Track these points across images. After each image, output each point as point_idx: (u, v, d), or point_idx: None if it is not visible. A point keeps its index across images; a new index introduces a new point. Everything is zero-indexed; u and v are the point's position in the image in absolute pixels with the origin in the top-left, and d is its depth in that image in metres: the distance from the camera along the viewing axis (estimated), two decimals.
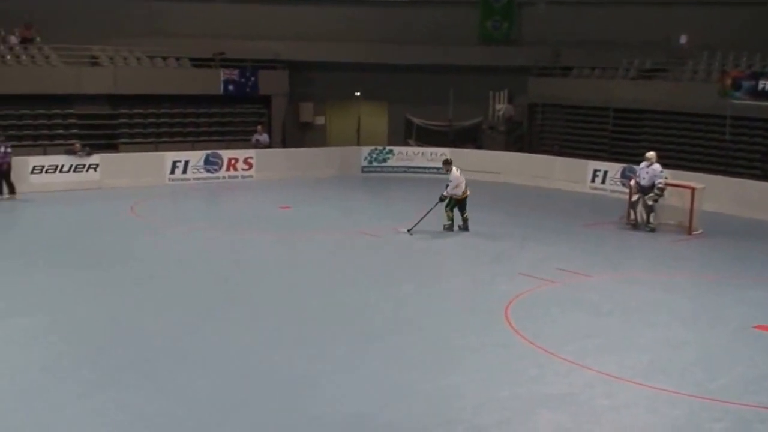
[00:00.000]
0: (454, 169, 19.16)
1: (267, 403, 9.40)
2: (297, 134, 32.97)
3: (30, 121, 27.23)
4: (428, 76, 31.80)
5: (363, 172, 29.25)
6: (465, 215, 19.21)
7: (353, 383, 10.04)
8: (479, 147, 31.24)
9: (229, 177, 26.84)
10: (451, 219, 19.08)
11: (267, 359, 10.74)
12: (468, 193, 19.13)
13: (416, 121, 32.84)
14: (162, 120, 29.34)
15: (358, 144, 30.87)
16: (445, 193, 19.00)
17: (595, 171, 26.35)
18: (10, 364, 10.41)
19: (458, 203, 19.08)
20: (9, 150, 23.06)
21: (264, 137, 28.69)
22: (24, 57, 27.67)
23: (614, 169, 25.77)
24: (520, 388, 9.97)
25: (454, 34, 32.11)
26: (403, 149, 30.07)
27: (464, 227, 19.17)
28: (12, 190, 22.67)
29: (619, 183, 25.13)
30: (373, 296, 13.88)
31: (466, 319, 12.71)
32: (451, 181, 18.96)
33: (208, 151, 26.97)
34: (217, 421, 8.86)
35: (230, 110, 30.79)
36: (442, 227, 18.98)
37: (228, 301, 13.44)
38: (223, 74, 30.02)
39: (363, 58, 31.33)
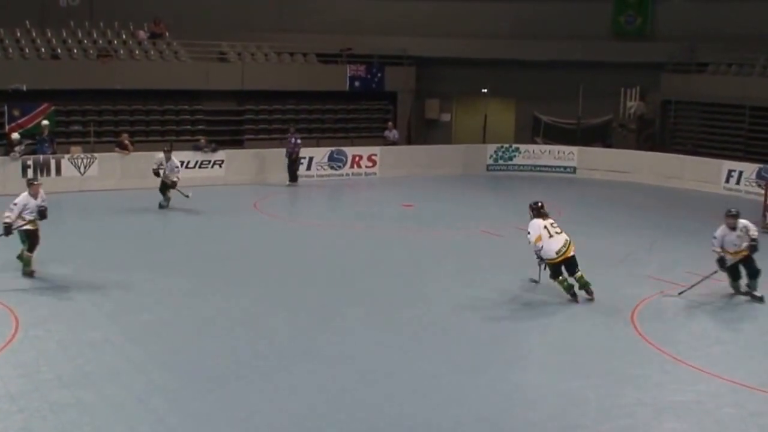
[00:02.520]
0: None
1: (387, 407, 9.59)
2: (422, 131, 33.30)
3: (158, 117, 28.38)
4: (557, 72, 31.53)
5: (488, 170, 29.32)
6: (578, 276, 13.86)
7: (475, 386, 10.17)
8: (609, 145, 30.80)
9: (353, 174, 27.34)
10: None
11: (387, 360, 10.97)
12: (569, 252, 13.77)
13: (544, 118, 32.62)
14: (287, 116, 30.06)
15: (484, 141, 30.92)
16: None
17: (730, 171, 25.73)
18: (132, 358, 10.90)
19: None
20: (299, 141, 25.67)
21: (393, 133, 29.15)
22: (153, 53, 28.85)
23: (750, 169, 25.09)
24: (645, 395, 9.93)
25: (586, 29, 31.74)
26: (530, 147, 30.00)
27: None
28: (293, 179, 25.45)
29: (754, 184, 24.45)
30: (496, 297, 13.99)
31: (591, 322, 12.69)
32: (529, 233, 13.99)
33: (333, 148, 27.54)
34: (339, 420, 9.19)
35: (355, 107, 31.34)
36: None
37: (349, 298, 13.75)
38: (349, 70, 30.57)
39: (490, 54, 31.31)
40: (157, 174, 21.37)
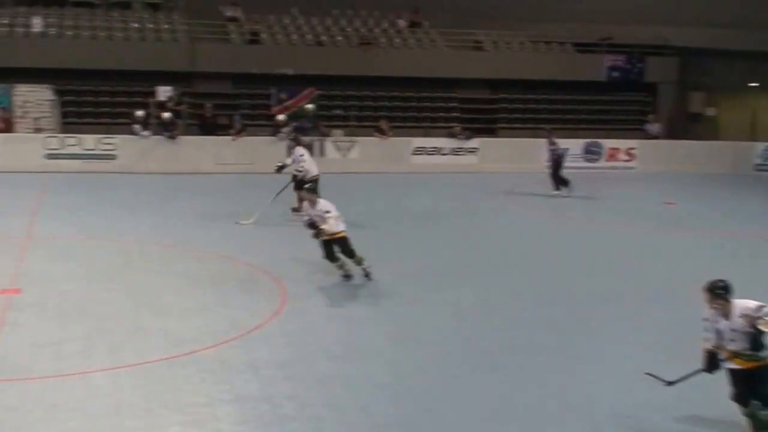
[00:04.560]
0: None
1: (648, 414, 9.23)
2: (685, 125, 31.89)
3: (414, 104, 28.94)
4: None
5: (756, 170, 27.63)
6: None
7: None
8: None
9: (609, 167, 26.63)
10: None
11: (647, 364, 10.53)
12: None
13: None
14: (541, 106, 29.78)
15: (753, 139, 29.16)
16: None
17: None
18: (394, 336, 11.10)
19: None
20: (561, 148, 22.69)
21: (655, 127, 28.15)
22: (412, 41, 29.42)
23: None
24: None
25: None
26: None
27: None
28: (563, 184, 22.36)
29: None
30: None
31: None
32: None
33: (588, 140, 26.95)
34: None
35: (612, 98, 30.53)
36: None
37: (599, 296, 13.20)
38: (607, 60, 29.80)
39: (761, 45, 29.51)
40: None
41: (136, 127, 23.78)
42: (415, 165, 25.32)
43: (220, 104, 26.52)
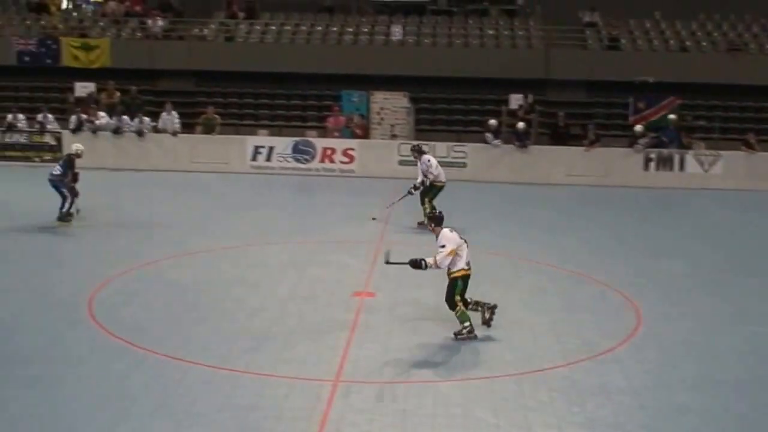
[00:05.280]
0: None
1: None
2: None
3: None
4: None
5: None
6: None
7: None
8: None
9: None
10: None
11: None
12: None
13: None
14: None
15: None
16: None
17: None
18: (741, 383, 10.33)
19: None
20: None
21: None
22: None
23: None
24: None
25: None
26: None
27: None
28: None
29: None
30: None
31: None
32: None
33: None
34: None
35: None
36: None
37: None
38: None
39: None
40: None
41: (488, 135, 24.10)
42: None
43: (573, 113, 26.23)
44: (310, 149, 24.21)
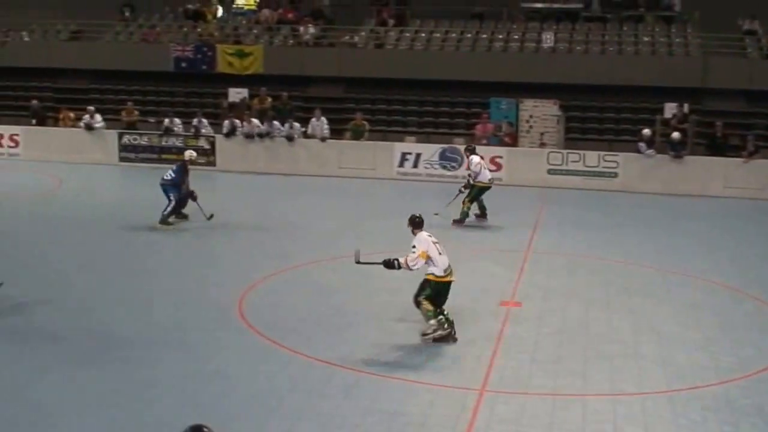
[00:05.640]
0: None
1: None
2: None
3: None
4: None
5: None
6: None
7: None
8: None
9: None
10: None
11: None
12: None
13: None
14: None
15: None
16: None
17: None
18: None
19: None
20: None
21: None
22: None
23: None
24: None
25: None
26: None
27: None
28: None
29: None
30: None
31: None
32: None
33: None
34: None
35: None
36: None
37: None
38: None
39: None
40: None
41: (642, 145, 23.56)
42: None
43: (732, 123, 25.34)
44: (456, 156, 24.21)
